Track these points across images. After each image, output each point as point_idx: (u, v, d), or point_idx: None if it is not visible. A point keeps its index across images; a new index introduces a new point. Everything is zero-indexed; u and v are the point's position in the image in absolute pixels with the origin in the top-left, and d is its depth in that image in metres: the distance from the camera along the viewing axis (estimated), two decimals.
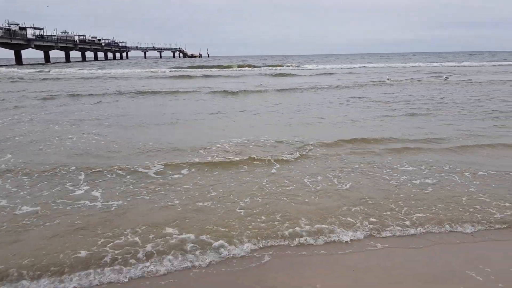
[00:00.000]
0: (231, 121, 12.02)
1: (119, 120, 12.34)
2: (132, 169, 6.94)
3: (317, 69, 50.71)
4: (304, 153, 7.86)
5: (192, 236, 4.49)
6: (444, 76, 31.57)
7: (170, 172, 6.86)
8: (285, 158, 7.51)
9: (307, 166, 7.08)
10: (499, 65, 56.01)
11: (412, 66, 54.59)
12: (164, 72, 44.71)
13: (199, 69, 49.16)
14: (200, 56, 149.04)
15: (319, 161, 7.39)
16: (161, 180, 6.44)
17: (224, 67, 53.60)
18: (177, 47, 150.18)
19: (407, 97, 17.24)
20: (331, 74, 38.20)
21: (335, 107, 14.74)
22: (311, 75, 37.18)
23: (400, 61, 75.23)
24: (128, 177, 6.60)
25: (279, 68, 52.01)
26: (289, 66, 57.41)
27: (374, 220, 4.87)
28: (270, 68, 52.26)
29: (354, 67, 53.81)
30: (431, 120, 11.57)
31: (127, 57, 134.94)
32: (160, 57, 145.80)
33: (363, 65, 58.87)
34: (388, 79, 29.50)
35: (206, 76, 35.38)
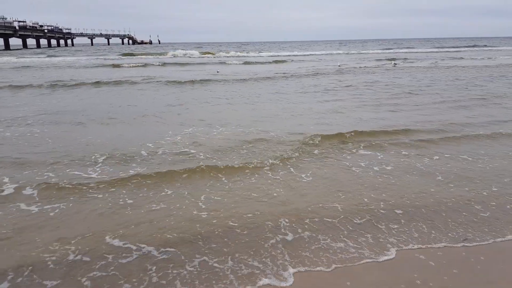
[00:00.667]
0: (187, 116, 11.04)
1: (42, 118, 10.53)
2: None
3: (277, 55, 50.21)
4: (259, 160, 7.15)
5: None
6: (393, 63, 32.71)
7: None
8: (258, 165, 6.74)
9: (271, 176, 6.36)
10: (446, 51, 58.75)
11: (364, 53, 55.51)
12: (113, 59, 42.29)
13: (149, 57, 47.00)
14: (150, 43, 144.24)
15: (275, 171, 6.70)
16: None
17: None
18: (126, 33, 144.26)
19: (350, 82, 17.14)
20: (284, 61, 37.83)
21: (288, 96, 14.18)
22: (267, 62, 36.58)
23: (356, 48, 76.70)
24: None
25: (235, 56, 50.93)
26: (248, 52, 56.50)
27: None
28: (226, 55, 51.17)
29: (312, 54, 54.10)
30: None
31: (73, 44, 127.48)
32: (108, 44, 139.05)
33: (321, 52, 59.20)
34: (339, 66, 30.05)
35: (153, 64, 33.55)
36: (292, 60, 39.28)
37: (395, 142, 7.75)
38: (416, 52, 57.74)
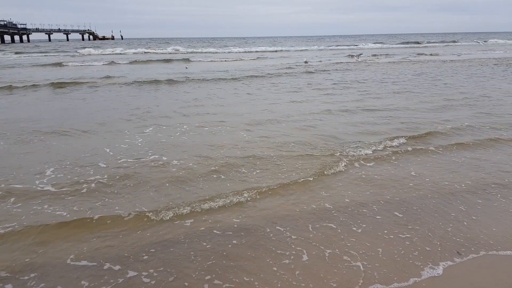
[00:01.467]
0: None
1: None
2: None
3: (244, 52, 49.22)
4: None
5: None
6: (355, 58, 33.26)
7: None
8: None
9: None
10: (410, 47, 60.06)
11: (329, 49, 55.50)
12: (74, 56, 40.02)
13: (107, 55, 44.75)
14: (112, 38, 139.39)
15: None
16: None
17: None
18: (86, 28, 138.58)
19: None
20: (259, 58, 36.94)
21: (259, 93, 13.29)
22: (236, 59, 35.53)
23: (323, 43, 76.88)
24: None
25: (202, 52, 49.51)
26: (217, 48, 55.09)
27: None
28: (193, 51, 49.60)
29: (280, 50, 53.53)
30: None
31: (28, 40, 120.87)
32: (67, 40, 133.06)
33: (288, 48, 58.61)
34: (305, 62, 30.08)
35: (116, 62, 31.70)
36: (266, 57, 38.37)
37: None
38: (389, 47, 58.34)
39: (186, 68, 27.00)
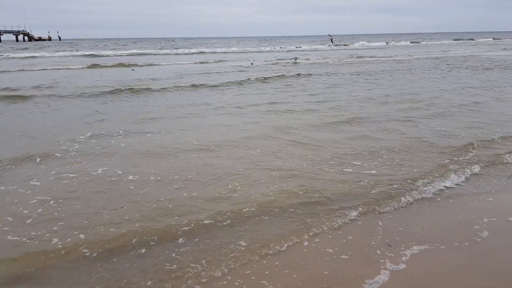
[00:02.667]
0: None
1: None
2: None
3: (198, 53, 48.76)
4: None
5: None
6: (292, 60, 34.45)
7: None
8: None
9: None
10: (351, 49, 62.44)
11: (270, 51, 56.45)
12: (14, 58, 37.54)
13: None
14: (49, 39, 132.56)
15: None
16: None
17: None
18: (21, 29, 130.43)
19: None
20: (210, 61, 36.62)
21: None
22: (186, 62, 34.92)
23: (272, 44, 78.05)
24: None
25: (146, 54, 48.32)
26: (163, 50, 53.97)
27: None
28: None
29: (227, 51, 53.66)
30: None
31: None
32: (0, 41, 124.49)
33: (234, 49, 58.84)
34: (252, 63, 30.99)
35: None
36: (220, 60, 38.11)
37: None
38: (326, 50, 60.15)
39: (133, 70, 27.14)
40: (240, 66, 30.95)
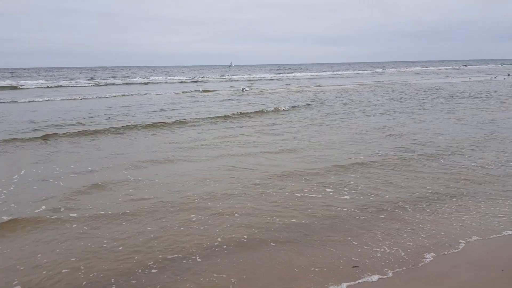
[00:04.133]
0: None
1: None
2: None
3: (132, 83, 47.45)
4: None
5: None
6: (242, 88, 35.42)
7: None
8: None
9: None
10: (292, 78, 64.58)
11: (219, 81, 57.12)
12: None
13: None
14: None
15: None
16: None
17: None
18: None
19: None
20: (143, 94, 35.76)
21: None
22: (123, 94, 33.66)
23: (211, 73, 78.87)
24: None
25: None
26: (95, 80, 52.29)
27: None
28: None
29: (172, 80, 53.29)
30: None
31: None
32: None
33: (175, 77, 58.69)
34: (201, 91, 32.55)
35: None
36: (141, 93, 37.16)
37: None
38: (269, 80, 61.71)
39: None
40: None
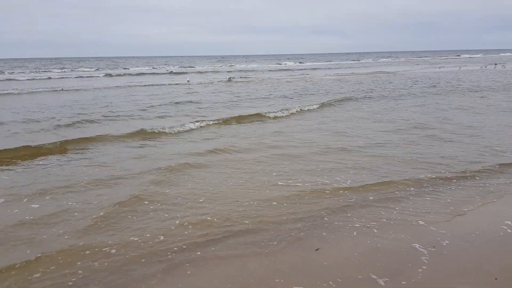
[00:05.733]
0: None
1: None
2: None
3: (122, 75, 46.28)
4: None
5: None
6: (228, 77, 35.17)
7: None
8: None
9: None
10: (282, 69, 64.09)
11: (211, 72, 56.29)
12: None
13: None
14: None
15: None
16: None
17: None
18: None
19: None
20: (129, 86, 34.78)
21: None
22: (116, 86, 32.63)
23: (203, 63, 78.10)
24: None
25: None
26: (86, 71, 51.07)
27: None
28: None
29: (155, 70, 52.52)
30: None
31: None
32: None
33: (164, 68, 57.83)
34: (188, 81, 31.68)
35: None
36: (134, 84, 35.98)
37: None
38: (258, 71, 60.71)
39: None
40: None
